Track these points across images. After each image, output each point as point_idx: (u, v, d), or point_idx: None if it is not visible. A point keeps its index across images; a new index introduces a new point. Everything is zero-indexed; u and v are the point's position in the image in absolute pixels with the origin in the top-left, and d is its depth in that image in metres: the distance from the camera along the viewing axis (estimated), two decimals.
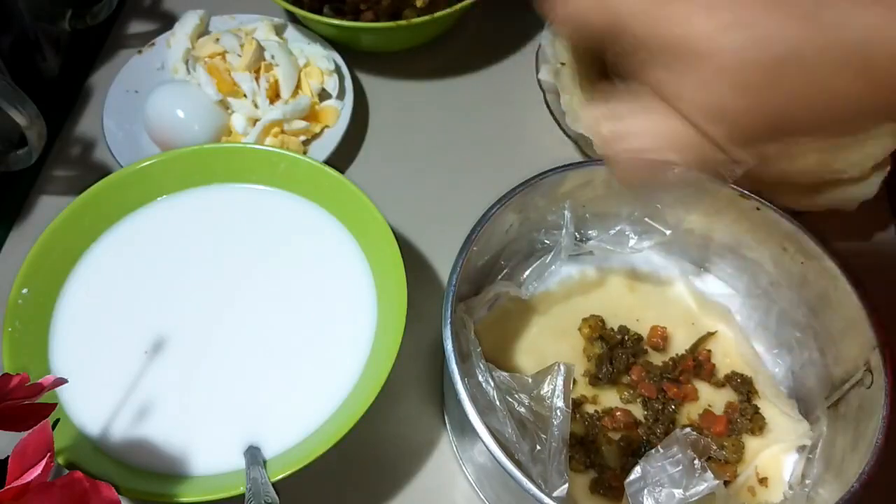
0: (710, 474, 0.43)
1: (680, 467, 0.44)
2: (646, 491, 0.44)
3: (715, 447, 0.50)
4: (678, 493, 0.43)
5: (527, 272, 0.58)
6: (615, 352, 0.56)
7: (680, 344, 0.57)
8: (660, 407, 0.54)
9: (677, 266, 0.61)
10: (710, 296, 0.59)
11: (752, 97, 0.32)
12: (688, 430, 0.46)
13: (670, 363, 0.56)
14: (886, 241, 0.65)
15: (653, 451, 0.45)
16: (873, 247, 0.65)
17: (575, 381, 0.55)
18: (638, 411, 0.54)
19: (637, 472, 0.44)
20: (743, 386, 0.55)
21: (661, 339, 0.57)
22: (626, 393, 0.55)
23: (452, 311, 0.47)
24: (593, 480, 0.51)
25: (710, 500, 0.45)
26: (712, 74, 0.32)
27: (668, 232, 0.55)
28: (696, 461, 0.44)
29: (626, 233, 0.58)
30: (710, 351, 0.56)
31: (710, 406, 0.55)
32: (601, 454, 0.51)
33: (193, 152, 0.58)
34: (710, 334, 0.58)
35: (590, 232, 0.59)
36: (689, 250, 0.60)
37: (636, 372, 0.55)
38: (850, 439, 0.47)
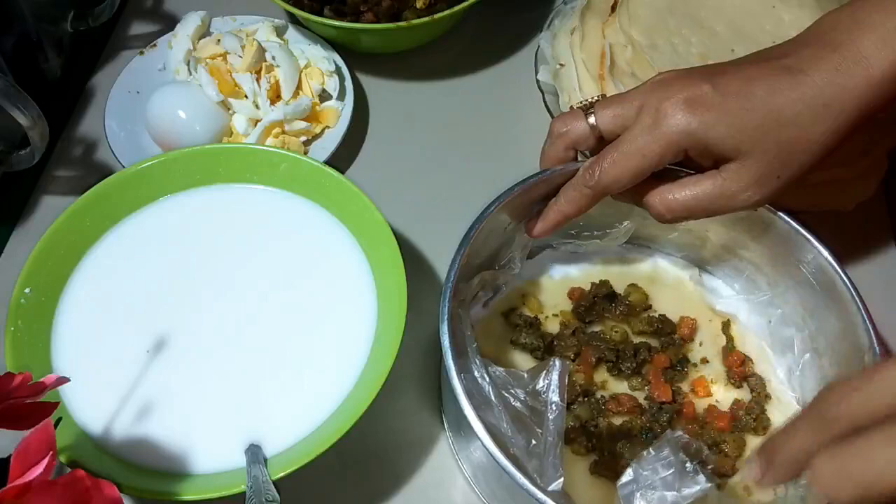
0: (702, 476, 0.44)
1: (672, 469, 0.44)
2: (638, 494, 0.44)
3: (707, 451, 0.50)
4: (670, 495, 0.43)
5: (519, 260, 0.58)
6: (640, 345, 0.57)
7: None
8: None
9: (675, 265, 0.61)
10: (710, 296, 0.60)
11: None
12: (679, 432, 0.46)
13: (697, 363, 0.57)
14: (883, 242, 0.65)
15: (644, 452, 0.45)
16: (870, 247, 0.65)
17: (594, 367, 0.56)
18: (644, 398, 0.55)
19: (629, 474, 0.45)
20: (758, 386, 0.55)
21: (690, 331, 0.58)
22: (635, 381, 0.55)
23: (450, 309, 0.48)
24: (594, 463, 0.52)
25: (703, 501, 0.45)
26: None
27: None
28: (689, 464, 0.44)
29: (622, 231, 0.58)
30: (745, 357, 0.57)
31: (716, 402, 0.55)
32: (603, 438, 0.52)
33: (195, 153, 0.58)
34: (726, 323, 0.58)
35: (585, 233, 0.59)
36: (687, 250, 0.60)
37: (653, 374, 0.55)
38: None
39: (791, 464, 0.37)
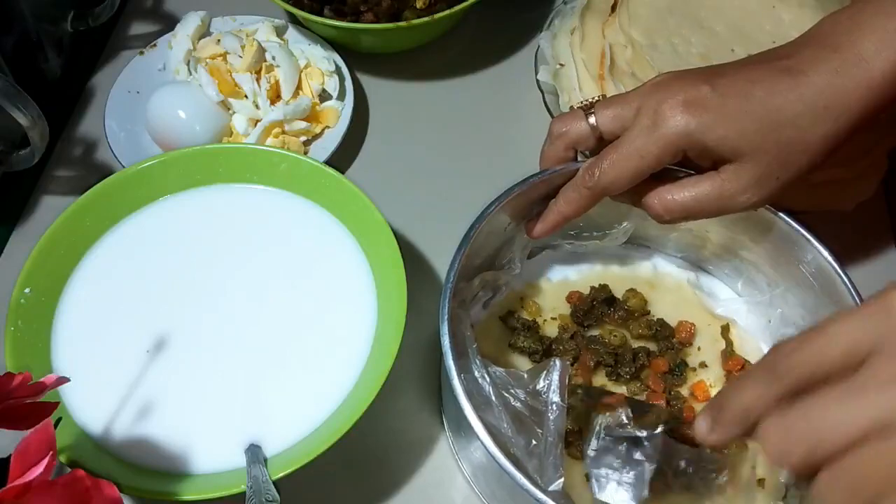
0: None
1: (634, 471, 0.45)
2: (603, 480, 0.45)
3: (687, 456, 0.50)
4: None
5: (519, 260, 0.58)
6: (638, 349, 0.56)
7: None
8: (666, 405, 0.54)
9: (675, 266, 0.61)
10: (709, 299, 0.59)
11: None
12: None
13: (698, 367, 0.57)
14: (883, 242, 0.65)
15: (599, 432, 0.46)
16: (870, 247, 0.65)
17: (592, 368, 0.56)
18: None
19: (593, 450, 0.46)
20: None
21: (688, 335, 0.58)
22: (634, 385, 0.55)
23: (450, 309, 0.48)
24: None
25: (701, 499, 0.45)
26: None
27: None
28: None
29: (621, 231, 0.58)
30: (745, 362, 0.57)
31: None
32: None
33: (195, 153, 0.58)
34: (725, 327, 0.58)
35: (584, 233, 0.59)
36: (686, 250, 0.60)
37: (652, 379, 0.55)
38: None
39: (739, 420, 0.36)
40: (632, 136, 0.48)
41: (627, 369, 0.55)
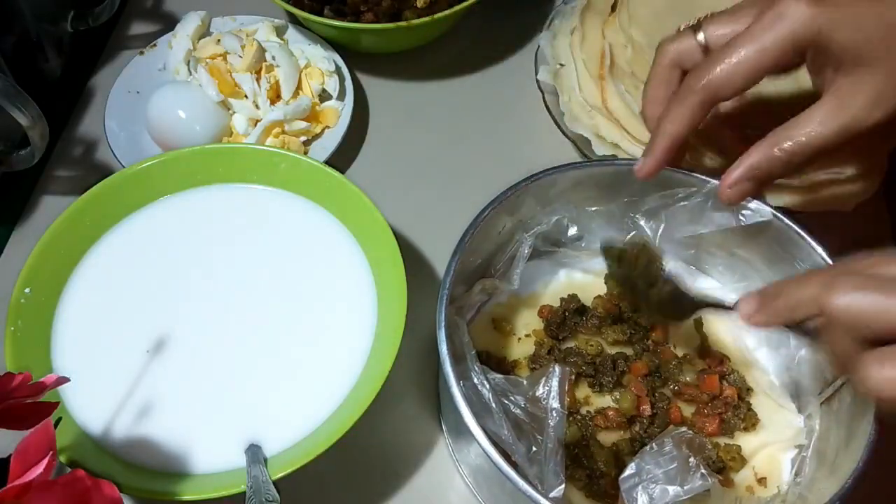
0: (704, 472, 0.44)
1: (674, 464, 0.44)
2: (640, 487, 0.44)
3: (710, 446, 0.50)
4: (672, 489, 0.43)
5: (517, 274, 0.57)
6: (616, 357, 0.56)
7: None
8: (652, 409, 0.54)
9: (668, 264, 0.61)
10: (702, 293, 0.59)
11: None
12: (683, 429, 0.46)
13: (676, 365, 0.56)
14: (883, 242, 0.65)
15: (647, 447, 0.45)
16: (870, 247, 0.64)
17: (573, 381, 0.55)
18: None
19: (632, 468, 0.45)
20: (738, 382, 0.55)
21: (662, 334, 0.57)
22: (617, 393, 0.55)
23: (446, 315, 0.47)
24: (587, 487, 0.51)
25: (706, 497, 0.45)
26: None
27: (658, 232, 0.56)
28: (691, 459, 0.44)
29: (615, 233, 0.58)
30: (723, 356, 0.56)
31: (701, 404, 0.55)
32: (594, 459, 0.51)
33: (195, 153, 0.58)
34: (699, 322, 0.58)
35: (581, 236, 0.59)
36: (680, 249, 0.60)
37: (635, 386, 0.55)
38: (843, 436, 0.47)
39: (789, 310, 0.38)
40: (750, 31, 0.43)
41: (608, 378, 0.54)
